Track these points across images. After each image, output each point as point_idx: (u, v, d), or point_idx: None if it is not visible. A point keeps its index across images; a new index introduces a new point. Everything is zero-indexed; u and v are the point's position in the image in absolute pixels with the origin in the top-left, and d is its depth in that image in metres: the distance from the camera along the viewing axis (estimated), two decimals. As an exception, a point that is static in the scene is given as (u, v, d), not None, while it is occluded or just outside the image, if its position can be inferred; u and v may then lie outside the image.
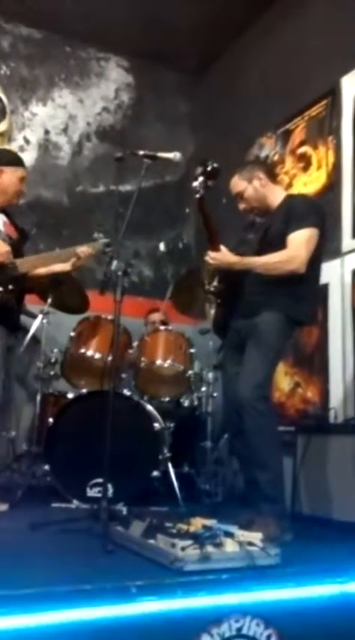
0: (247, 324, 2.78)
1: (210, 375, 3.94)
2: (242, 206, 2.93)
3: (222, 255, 2.74)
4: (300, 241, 2.68)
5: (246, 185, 2.88)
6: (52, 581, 1.71)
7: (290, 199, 2.90)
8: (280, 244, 2.71)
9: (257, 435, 2.58)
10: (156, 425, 3.49)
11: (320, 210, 2.83)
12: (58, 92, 5.29)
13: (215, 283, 2.89)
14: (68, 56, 5.36)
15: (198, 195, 2.63)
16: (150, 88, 5.64)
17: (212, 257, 2.75)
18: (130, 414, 3.40)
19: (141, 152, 2.76)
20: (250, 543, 1.93)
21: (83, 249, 3.20)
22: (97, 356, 3.66)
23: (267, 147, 4.61)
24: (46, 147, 5.18)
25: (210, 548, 1.86)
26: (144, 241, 5.41)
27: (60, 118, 5.27)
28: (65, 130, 5.28)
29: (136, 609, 1.63)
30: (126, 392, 3.52)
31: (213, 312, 3.10)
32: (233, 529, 2.03)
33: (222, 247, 2.76)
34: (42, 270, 3.21)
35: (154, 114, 5.62)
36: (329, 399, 3.69)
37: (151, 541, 2.02)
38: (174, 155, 2.80)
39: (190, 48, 5.35)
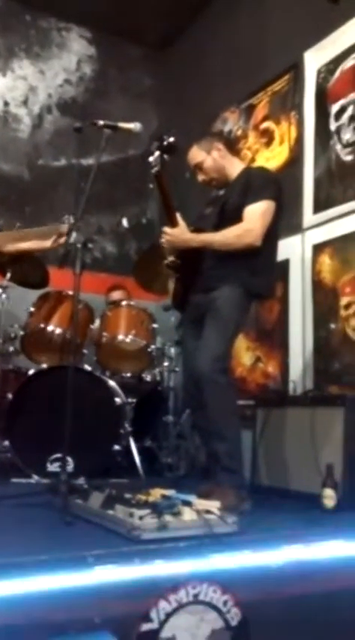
0: (206, 298, 2.78)
1: (172, 350, 3.95)
2: (201, 177, 2.92)
3: (179, 232, 2.73)
4: (256, 214, 2.68)
5: (205, 156, 2.87)
6: (8, 552, 1.70)
7: (247, 172, 2.90)
8: (237, 217, 2.71)
9: (215, 407, 2.60)
10: (117, 400, 3.49)
11: (277, 183, 2.83)
12: (18, 63, 5.15)
13: (172, 257, 2.88)
14: (28, 26, 5.21)
15: (154, 171, 2.61)
16: (113, 61, 5.54)
17: (168, 233, 2.73)
18: (91, 389, 3.39)
19: (101, 122, 2.71)
20: (208, 512, 1.95)
21: (65, 227, 3.06)
22: (58, 331, 3.62)
23: (231, 121, 4.59)
24: (5, 119, 5.05)
25: (167, 517, 1.88)
26: (108, 217, 5.34)
27: (20, 89, 5.14)
28: (25, 102, 5.16)
29: (93, 578, 1.64)
30: (87, 367, 3.51)
31: (172, 286, 3.09)
32: (191, 498, 2.05)
33: (181, 222, 2.74)
34: (23, 246, 3.12)
35: (117, 87, 5.53)
36: (289, 372, 3.74)
37: (110, 511, 2.03)
38: (134, 125, 2.75)
39: (154, 22, 5.27)
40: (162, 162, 2.57)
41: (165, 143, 2.55)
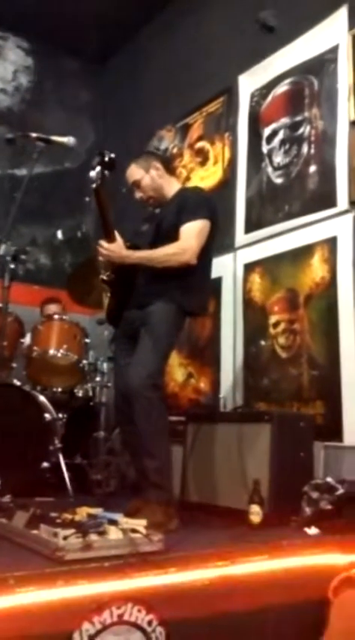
0: (139, 314, 2.78)
1: (105, 366, 3.93)
2: (138, 195, 2.94)
3: (117, 247, 2.73)
4: (192, 233, 2.72)
5: (143, 174, 2.89)
6: None
7: (183, 192, 2.94)
8: (173, 236, 2.74)
9: (145, 423, 2.59)
10: (47, 415, 3.43)
11: (211, 204, 2.88)
12: None
13: (108, 272, 2.87)
14: None
15: (94, 185, 2.61)
16: (50, 73, 5.50)
17: (105, 248, 2.73)
18: (20, 404, 3.32)
19: (34, 135, 2.69)
20: (134, 530, 1.94)
21: None
22: (-15, 345, 3.54)
23: (167, 140, 4.64)
24: None
25: (92, 537, 1.86)
26: (42, 229, 5.29)
27: None
28: None
29: (15, 601, 1.60)
30: (16, 382, 3.44)
31: (106, 301, 3.08)
32: (117, 517, 2.03)
33: (118, 239, 2.75)
34: None
35: (55, 100, 5.49)
36: (220, 388, 3.79)
37: (34, 531, 1.99)
38: (68, 140, 2.75)
39: (93, 36, 5.29)
40: (102, 178, 2.58)
41: (106, 159, 2.56)
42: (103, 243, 2.72)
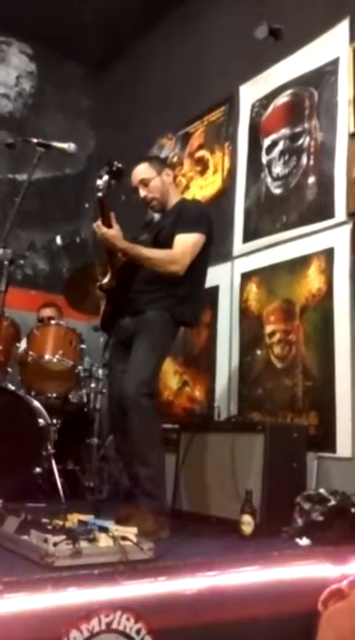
0: (133, 321, 2.80)
1: (100, 372, 3.92)
2: (143, 193, 2.94)
3: (115, 233, 2.72)
4: (186, 245, 2.75)
5: (155, 175, 2.92)
6: None
7: (182, 203, 2.98)
8: (169, 246, 2.77)
9: (139, 431, 2.59)
10: (41, 421, 3.43)
11: (209, 218, 2.91)
12: None
13: (106, 280, 2.88)
14: (-34, 37, 5.15)
15: (100, 194, 2.63)
16: (52, 78, 5.52)
17: (103, 231, 2.70)
18: (13, 409, 3.32)
19: (35, 140, 2.70)
20: (124, 538, 1.94)
21: None
22: (-20, 349, 3.54)
23: (167, 148, 4.65)
24: None
25: (83, 544, 1.85)
26: (40, 233, 5.29)
27: None
28: None
29: (3, 607, 1.59)
30: (10, 386, 3.43)
31: (102, 308, 3.09)
32: (108, 524, 2.03)
33: (117, 228, 2.75)
34: None
35: (56, 106, 5.50)
36: (214, 397, 3.78)
37: (24, 537, 1.98)
38: (68, 146, 2.76)
39: (95, 43, 5.30)
40: (108, 187, 2.60)
41: (114, 168, 2.59)
42: (101, 226, 2.71)
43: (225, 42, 4.24)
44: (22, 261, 2.71)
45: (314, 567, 2.19)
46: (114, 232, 2.73)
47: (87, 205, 5.49)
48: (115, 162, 2.59)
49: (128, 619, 1.75)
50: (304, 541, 2.42)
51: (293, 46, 3.67)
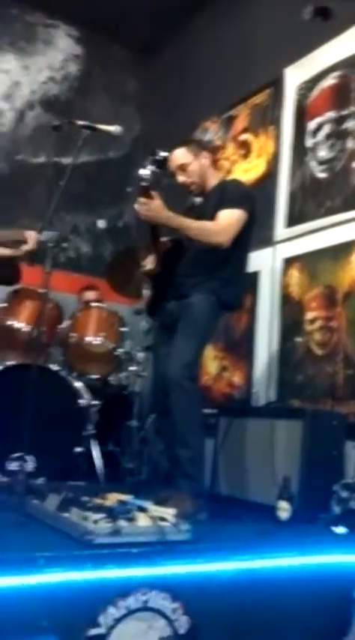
0: (178, 305, 2.82)
1: (141, 355, 3.95)
2: (182, 178, 2.93)
3: (158, 205, 2.68)
4: (231, 218, 2.74)
5: (193, 159, 2.91)
6: None
7: (224, 183, 2.97)
8: None
9: (181, 413, 2.62)
10: (82, 401, 3.48)
11: (251, 197, 2.90)
12: (2, 56, 5.12)
13: (151, 266, 2.91)
14: (14, 19, 5.18)
15: (144, 184, 2.63)
16: (98, 61, 5.52)
17: (146, 205, 2.66)
18: (56, 389, 3.37)
19: (80, 122, 2.71)
20: (162, 519, 1.97)
21: (30, 235, 2.82)
22: (25, 328, 3.60)
23: (211, 131, 4.62)
24: (-14, 112, 5.03)
25: (122, 522, 1.88)
26: (84, 217, 5.33)
27: (3, 83, 5.11)
28: (8, 96, 5.12)
29: (43, 580, 1.64)
30: (53, 367, 3.50)
31: (146, 292, 3.11)
32: (147, 504, 2.06)
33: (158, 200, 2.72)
34: None
35: (102, 88, 5.51)
36: (253, 383, 3.78)
37: (65, 514, 2.03)
38: (114, 128, 2.75)
39: (141, 26, 5.28)
40: (152, 175, 2.61)
41: (158, 157, 2.59)
42: (143, 200, 2.68)
43: (272, 24, 4.17)
44: (65, 244, 2.73)
45: (350, 555, 2.18)
46: (157, 203, 2.69)
47: (130, 189, 5.50)
48: (159, 151, 2.60)
49: (164, 598, 1.79)
50: (340, 529, 2.41)
51: (341, 27, 3.58)
